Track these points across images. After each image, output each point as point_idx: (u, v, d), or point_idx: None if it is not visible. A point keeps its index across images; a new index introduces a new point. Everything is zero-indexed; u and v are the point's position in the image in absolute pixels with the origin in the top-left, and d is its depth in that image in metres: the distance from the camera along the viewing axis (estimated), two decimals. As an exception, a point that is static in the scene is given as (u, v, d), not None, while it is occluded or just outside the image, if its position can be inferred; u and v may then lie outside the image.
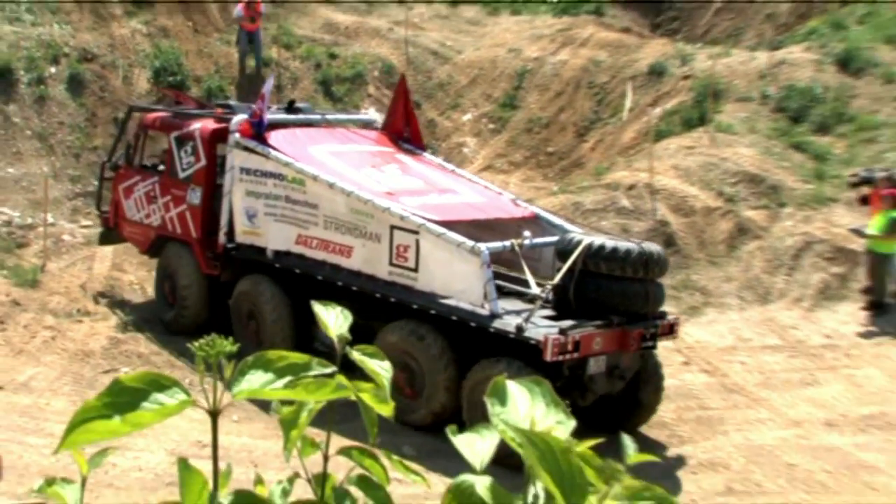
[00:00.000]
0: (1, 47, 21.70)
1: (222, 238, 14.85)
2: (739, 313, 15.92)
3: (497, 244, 12.62)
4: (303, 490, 1.82)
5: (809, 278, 17.12)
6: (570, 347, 11.64)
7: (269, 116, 14.86)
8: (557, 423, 1.50)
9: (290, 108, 16.28)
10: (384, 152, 15.53)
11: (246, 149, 14.52)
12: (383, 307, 13.08)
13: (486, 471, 1.51)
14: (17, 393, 13.37)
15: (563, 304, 12.29)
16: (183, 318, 15.27)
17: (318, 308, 1.93)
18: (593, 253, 12.14)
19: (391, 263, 13.06)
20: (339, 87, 23.98)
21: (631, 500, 1.37)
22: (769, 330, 16.16)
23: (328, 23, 26.23)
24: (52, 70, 22.17)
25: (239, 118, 14.75)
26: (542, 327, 11.80)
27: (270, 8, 25.89)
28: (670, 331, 13.02)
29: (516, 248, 12.64)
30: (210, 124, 15.46)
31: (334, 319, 1.90)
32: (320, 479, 1.82)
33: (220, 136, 15.20)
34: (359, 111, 22.46)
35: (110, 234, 17.18)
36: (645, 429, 12.93)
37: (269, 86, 15.25)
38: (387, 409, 1.76)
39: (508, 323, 11.93)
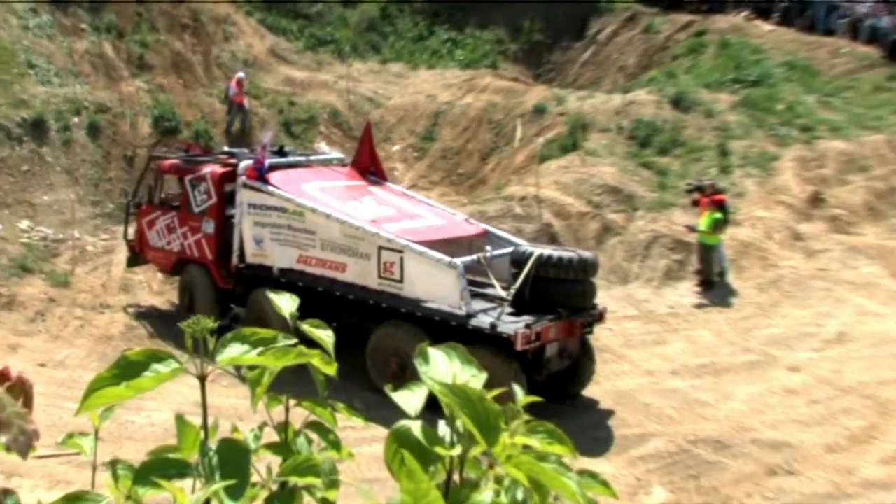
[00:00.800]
0: (36, 103, 21.57)
1: (235, 260, 14.52)
2: (606, 292, 16.02)
3: (468, 258, 12.60)
4: (270, 436, 1.80)
5: (657, 264, 17.34)
6: (533, 338, 11.73)
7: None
8: (472, 377, 1.48)
9: (280, 152, 15.92)
10: (358, 185, 15.24)
11: (252, 188, 14.23)
12: (374, 311, 12.93)
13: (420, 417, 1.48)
14: (56, 369, 13.68)
15: (519, 302, 12.19)
16: None
17: (272, 294, 1.92)
18: (543, 262, 12.18)
19: (380, 276, 12.86)
20: (297, 127, 23.86)
21: (530, 432, 1.36)
22: (628, 303, 16.33)
23: (287, 78, 26.09)
24: (76, 120, 22.10)
25: (245, 163, 14.45)
26: (510, 323, 11.81)
27: (242, 67, 25.74)
28: (600, 318, 13.11)
29: (482, 260, 12.66)
30: (218, 168, 15.20)
31: (285, 302, 1.88)
32: (283, 426, 1.79)
33: (227, 177, 14.94)
34: (320, 148, 22.48)
35: (136, 258, 16.79)
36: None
37: (269, 137, 15.16)
38: (331, 369, 1.74)
39: (483, 321, 11.94)
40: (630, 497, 10.66)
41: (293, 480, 1.54)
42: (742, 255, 17.43)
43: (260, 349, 1.48)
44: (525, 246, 13.09)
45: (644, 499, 10.58)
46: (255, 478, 1.55)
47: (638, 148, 21.26)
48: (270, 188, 14.04)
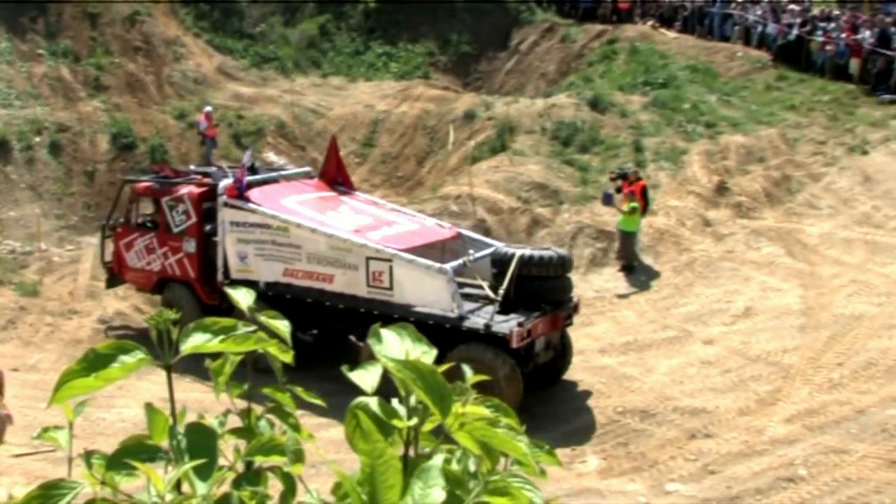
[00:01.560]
0: (-1, 126, 21.11)
1: (220, 276, 13.84)
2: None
3: (455, 262, 12.29)
4: (235, 423, 1.77)
5: (583, 252, 17.47)
6: (525, 335, 11.59)
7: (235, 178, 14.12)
8: (423, 354, 1.47)
9: (252, 169, 15.15)
10: (331, 196, 14.71)
11: (233, 207, 13.62)
12: (363, 318, 12.32)
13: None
14: (29, 373, 13.50)
15: (504, 301, 11.93)
16: None
17: (229, 290, 1.88)
18: (525, 262, 12.02)
19: (368, 285, 12.45)
20: (246, 139, 23.53)
21: (480, 403, 1.35)
22: (557, 289, 16.42)
23: (235, 94, 25.76)
24: (37, 139, 21.70)
25: (225, 183, 13.82)
26: (501, 322, 11.59)
27: (193, 85, 25.35)
28: (576, 310, 13.05)
29: (467, 263, 12.40)
30: (195, 189, 14.50)
31: (242, 296, 1.84)
32: (246, 412, 1.76)
33: (205, 196, 14.32)
34: (268, 158, 22.22)
35: (115, 279, 15.86)
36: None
37: (247, 157, 14.52)
38: (287, 357, 1.71)
39: (477, 322, 11.71)
40: (567, 466, 10.74)
41: (259, 460, 1.52)
42: (658, 241, 17.66)
43: (221, 337, 1.45)
44: (501, 246, 12.91)
45: (580, 467, 10.68)
46: (222, 461, 1.52)
47: (561, 147, 21.39)
48: (252, 206, 13.45)
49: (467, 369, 1.65)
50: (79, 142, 22.07)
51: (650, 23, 31.60)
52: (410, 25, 31.42)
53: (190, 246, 14.45)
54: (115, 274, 15.71)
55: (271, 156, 23.26)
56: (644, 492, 10.62)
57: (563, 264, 12.45)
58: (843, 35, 25.19)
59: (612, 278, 16.84)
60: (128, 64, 25.12)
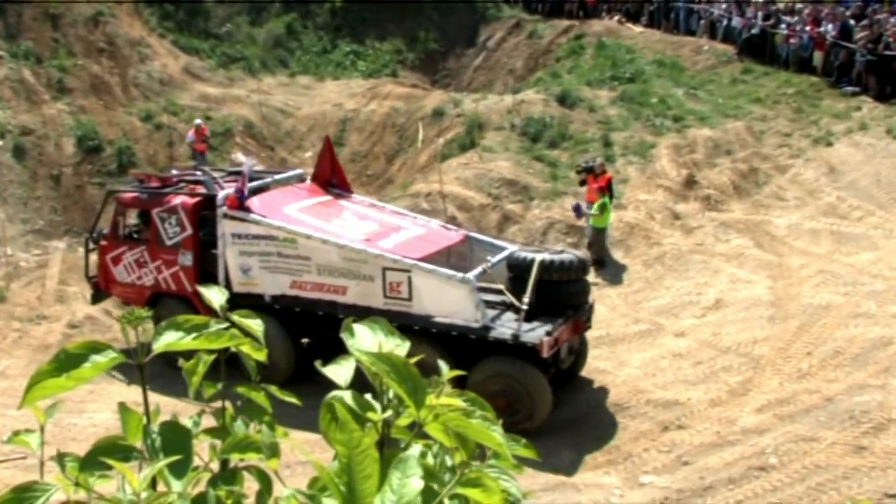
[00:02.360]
0: (-43, 129, 20.67)
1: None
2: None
3: (476, 270, 11.86)
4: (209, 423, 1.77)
5: (554, 248, 17.52)
6: (554, 343, 11.29)
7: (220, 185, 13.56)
8: (396, 347, 1.47)
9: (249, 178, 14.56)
10: (329, 201, 14.04)
11: (234, 218, 12.83)
12: None
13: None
14: None
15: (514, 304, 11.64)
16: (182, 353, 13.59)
17: (202, 289, 1.86)
18: (546, 266, 11.69)
19: (385, 296, 11.89)
20: (214, 139, 23.34)
21: (456, 396, 1.36)
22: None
23: (202, 94, 25.56)
24: (0, 143, 21.24)
25: (224, 193, 13.05)
26: (529, 331, 11.23)
27: (159, 86, 25.12)
28: (591, 311, 12.82)
29: (487, 270, 11.96)
30: (189, 199, 13.66)
31: (214, 295, 1.84)
32: (220, 412, 1.76)
33: (200, 207, 13.53)
34: (237, 158, 21.99)
35: (100, 294, 14.99)
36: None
37: (247, 166, 13.51)
38: (261, 355, 1.70)
39: (504, 332, 11.31)
40: (541, 460, 10.79)
41: (235, 457, 1.51)
42: (629, 236, 17.76)
43: (194, 335, 1.44)
44: (516, 250, 12.57)
45: (554, 461, 10.73)
46: (197, 461, 1.52)
47: (530, 143, 21.45)
48: (256, 217, 12.73)
49: (443, 365, 1.66)
50: (43, 145, 21.75)
51: (616, 17, 31.81)
52: (377, 23, 31.38)
53: (186, 259, 13.64)
54: (101, 289, 14.89)
55: (239, 156, 23.09)
56: (619, 484, 10.69)
57: (583, 267, 12.22)
58: (807, 28, 25.49)
59: (583, 273, 16.91)
60: (92, 65, 24.83)
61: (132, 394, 11.32)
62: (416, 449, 1.27)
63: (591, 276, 16.48)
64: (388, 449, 1.37)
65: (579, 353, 12.72)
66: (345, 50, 30.77)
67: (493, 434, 1.26)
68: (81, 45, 25.43)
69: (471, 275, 11.61)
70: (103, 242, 14.51)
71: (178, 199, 13.73)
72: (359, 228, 12.91)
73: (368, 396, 1.47)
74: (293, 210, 13.19)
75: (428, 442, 1.48)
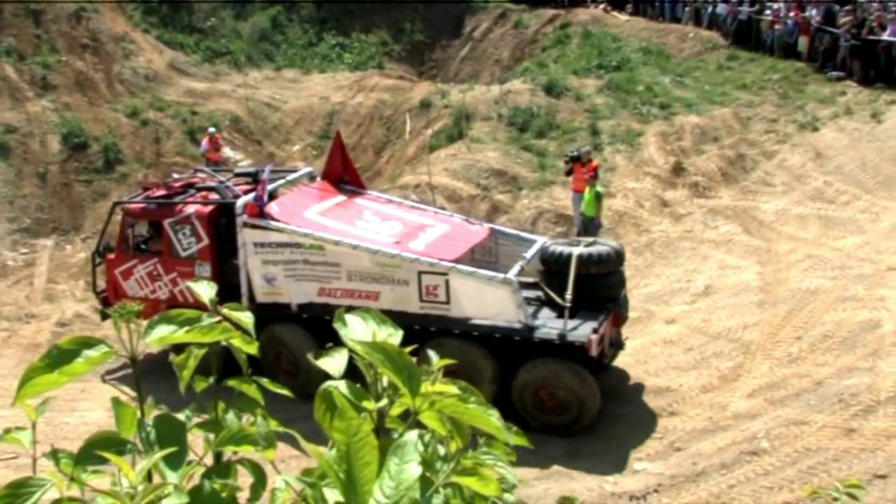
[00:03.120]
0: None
1: (246, 302, 12.14)
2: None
3: (515, 268, 11.57)
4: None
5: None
6: (601, 341, 11.13)
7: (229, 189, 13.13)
8: (389, 336, 1.47)
9: (255, 179, 13.87)
10: (347, 201, 13.51)
11: (255, 227, 12.27)
12: (417, 335, 10.89)
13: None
14: None
15: (551, 300, 11.46)
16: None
17: (191, 284, 1.86)
18: (584, 260, 11.42)
19: (421, 300, 11.48)
20: (201, 135, 23.24)
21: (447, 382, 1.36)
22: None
23: (188, 89, 25.42)
24: (-15, 141, 21.04)
25: (243, 201, 12.45)
26: (575, 329, 11.02)
27: (144, 82, 24.98)
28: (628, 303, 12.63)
29: (525, 267, 11.74)
30: (204, 208, 13.01)
31: (204, 289, 1.83)
32: (213, 405, 1.75)
33: (215, 215, 12.96)
34: (224, 154, 21.87)
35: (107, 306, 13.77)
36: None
37: (267, 172, 12.93)
38: (252, 349, 1.70)
39: (550, 332, 11.06)
40: (534, 449, 10.81)
41: (230, 449, 1.51)
42: (618, 224, 17.80)
43: (186, 328, 1.44)
44: (548, 243, 12.24)
45: (548, 449, 10.76)
46: (191, 456, 1.52)
47: (518, 133, 21.45)
48: (280, 225, 12.18)
49: (433, 355, 1.66)
50: (28, 143, 21.59)
51: (602, 6, 31.81)
52: (363, 15, 31.29)
53: (204, 270, 12.96)
54: (111, 303, 13.40)
55: (227, 151, 23.03)
56: (612, 472, 10.74)
57: (620, 258, 11.97)
58: (791, 14, 25.54)
59: (572, 262, 16.92)
60: (75, 62, 24.66)
61: (125, 390, 11.28)
62: (413, 434, 1.27)
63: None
64: (383, 438, 1.36)
65: (620, 345, 12.52)
66: (330, 43, 30.68)
67: (490, 418, 1.26)
68: (64, 41, 25.25)
69: (512, 275, 11.32)
70: (110, 256, 13.80)
71: (191, 208, 13.10)
72: (384, 230, 12.52)
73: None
74: (314, 214, 12.72)
75: (421, 431, 1.48)
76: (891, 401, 11.30)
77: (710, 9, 28.75)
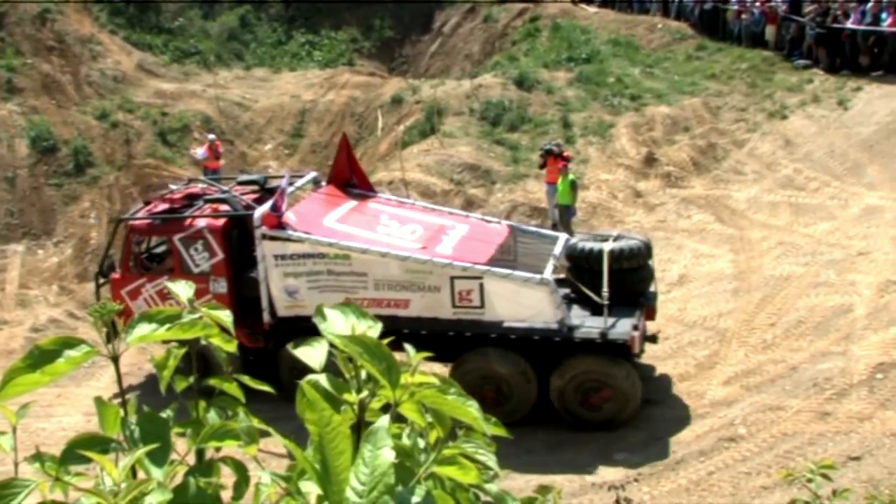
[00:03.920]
0: None
1: (267, 317, 12.04)
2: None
3: (549, 267, 11.38)
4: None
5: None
6: (642, 336, 11.15)
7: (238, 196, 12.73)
8: (368, 328, 1.48)
9: (264, 188, 13.65)
10: (360, 205, 13.12)
11: (275, 238, 11.78)
12: (451, 342, 11.16)
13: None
14: None
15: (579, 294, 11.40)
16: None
17: (170, 284, 1.86)
18: (616, 256, 11.34)
19: (454, 306, 11.23)
20: (171, 136, 23.07)
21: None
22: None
23: (157, 90, 25.19)
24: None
25: (261, 211, 11.95)
26: (614, 326, 10.95)
27: (112, 83, 24.73)
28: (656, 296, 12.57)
29: (558, 266, 11.65)
30: (216, 221, 12.48)
31: (181, 289, 1.84)
32: (195, 404, 1.76)
33: (229, 227, 12.48)
34: (195, 154, 21.69)
35: (116, 332, 13.44)
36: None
37: (285, 182, 12.39)
38: (231, 347, 1.70)
39: (591, 331, 10.96)
40: (514, 441, 10.86)
41: (213, 445, 1.52)
42: (592, 215, 17.88)
43: (167, 325, 1.45)
44: (574, 240, 12.10)
45: (529, 443, 10.81)
46: (173, 456, 1.52)
47: (490, 127, 21.48)
48: (302, 235, 11.74)
49: (411, 349, 1.67)
50: (-4, 148, 21.33)
51: (571, -1, 31.86)
52: (332, 12, 31.17)
53: (220, 286, 12.40)
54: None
55: (198, 152, 22.87)
56: (592, 462, 10.82)
57: (649, 252, 11.96)
58: (757, 3, 25.75)
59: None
60: (42, 64, 24.37)
61: (104, 394, 11.21)
62: (385, 419, 1.28)
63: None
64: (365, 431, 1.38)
65: (653, 338, 12.47)
66: (300, 41, 30.54)
67: (469, 409, 1.28)
68: (29, 43, 24.94)
69: (548, 275, 11.18)
70: (115, 275, 13.11)
71: (202, 222, 12.53)
72: (407, 234, 12.19)
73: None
74: (332, 221, 12.33)
75: (401, 424, 1.50)
76: (863, 384, 11.48)
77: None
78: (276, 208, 11.79)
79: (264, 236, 11.82)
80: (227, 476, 1.72)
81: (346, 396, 1.37)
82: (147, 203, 13.84)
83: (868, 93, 21.03)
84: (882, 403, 11.03)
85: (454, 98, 22.88)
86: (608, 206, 18.29)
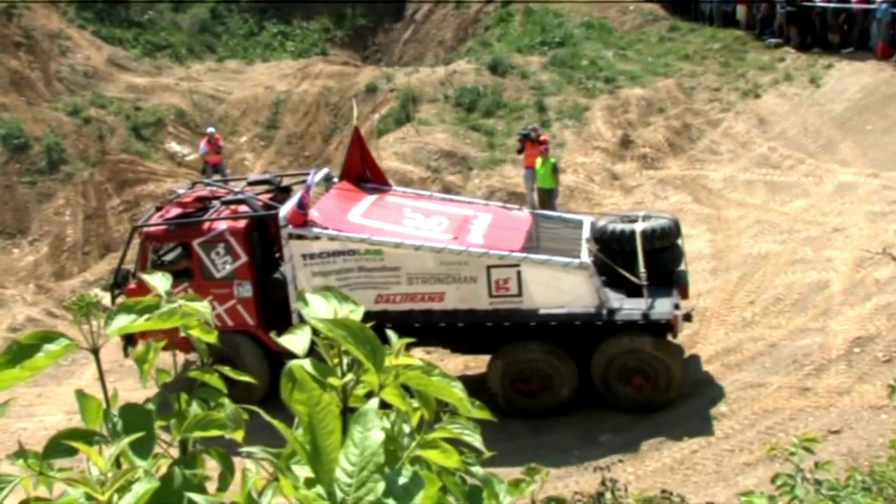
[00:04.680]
0: None
1: (296, 319, 10.75)
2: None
3: (585, 251, 11.36)
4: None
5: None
6: (682, 316, 11.08)
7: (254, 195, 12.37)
8: (351, 312, 1.48)
9: (280, 187, 13.29)
10: (379, 199, 12.84)
11: (302, 237, 11.39)
12: (489, 333, 11.16)
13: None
14: None
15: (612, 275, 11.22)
16: (252, 389, 10.37)
17: (145, 276, 1.84)
18: (649, 235, 11.29)
19: (491, 295, 11.05)
20: (146, 130, 22.86)
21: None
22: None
23: (129, 85, 24.93)
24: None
25: (286, 210, 11.60)
26: (654, 307, 10.90)
27: (83, 79, 24.46)
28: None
29: (592, 250, 11.52)
30: (237, 223, 12.01)
31: (158, 281, 1.82)
32: (177, 396, 1.76)
33: (251, 229, 12.07)
34: (171, 149, 21.53)
35: (133, 343, 11.83)
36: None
37: (312, 179, 12.01)
38: (212, 337, 1.70)
39: (632, 313, 10.88)
40: (499, 425, 10.90)
41: (197, 435, 1.52)
42: (570, 199, 17.92)
43: (146, 316, 1.44)
44: (601, 222, 12.02)
45: (514, 426, 10.85)
46: (157, 449, 1.52)
47: (465, 113, 21.46)
48: (332, 232, 11.37)
49: (392, 335, 1.67)
50: (-34, 146, 21.06)
51: (543, -17, 31.83)
52: (303, 2, 30.97)
53: (244, 290, 11.93)
54: (135, 336, 11.30)
55: (174, 146, 22.72)
56: (577, 444, 10.88)
57: (679, 230, 11.91)
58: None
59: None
60: (9, 60, 24.05)
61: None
62: (375, 401, 1.29)
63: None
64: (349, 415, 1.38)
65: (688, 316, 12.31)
66: (272, 31, 30.33)
67: (454, 390, 1.29)
68: (-4, 40, 24.62)
69: (586, 258, 11.13)
70: (131, 286, 12.39)
71: (222, 225, 12.02)
72: (434, 226, 11.95)
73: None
74: (357, 217, 12.03)
75: (385, 411, 1.50)
76: (841, 358, 11.61)
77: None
78: (302, 206, 11.45)
79: (291, 235, 11.45)
80: (212, 470, 1.71)
81: (330, 380, 1.37)
82: (159, 209, 13.21)
83: (839, 70, 21.19)
84: (860, 377, 11.16)
85: (428, 85, 22.81)
86: (585, 188, 18.34)
